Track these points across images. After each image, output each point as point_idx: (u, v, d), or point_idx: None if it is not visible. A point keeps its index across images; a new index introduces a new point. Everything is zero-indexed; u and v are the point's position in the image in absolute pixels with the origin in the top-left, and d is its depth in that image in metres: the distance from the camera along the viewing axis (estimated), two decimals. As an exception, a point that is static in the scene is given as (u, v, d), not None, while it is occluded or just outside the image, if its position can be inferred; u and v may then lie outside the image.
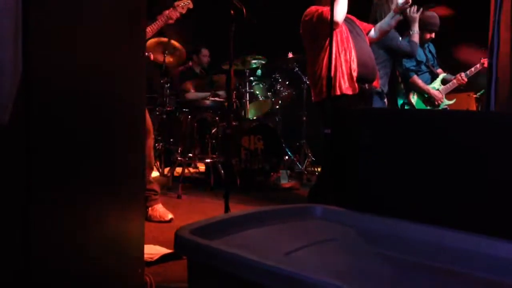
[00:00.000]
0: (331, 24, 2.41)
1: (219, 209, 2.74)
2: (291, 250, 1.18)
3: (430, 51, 4.25)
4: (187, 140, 4.46)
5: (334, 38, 2.62)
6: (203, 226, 1.25)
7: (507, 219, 1.42)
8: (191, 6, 3.10)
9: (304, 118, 5.25)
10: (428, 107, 4.13)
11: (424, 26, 3.98)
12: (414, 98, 4.13)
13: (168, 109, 4.76)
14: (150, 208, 2.97)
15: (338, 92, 2.86)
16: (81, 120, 1.36)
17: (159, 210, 2.98)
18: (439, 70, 4.30)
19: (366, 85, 2.99)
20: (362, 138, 1.76)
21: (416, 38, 3.63)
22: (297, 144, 5.27)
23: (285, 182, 4.51)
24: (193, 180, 4.60)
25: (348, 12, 2.91)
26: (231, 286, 1.08)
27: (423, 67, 4.18)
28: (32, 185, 1.20)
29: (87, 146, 1.38)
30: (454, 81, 4.18)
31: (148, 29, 2.90)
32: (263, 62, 5.08)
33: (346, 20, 2.97)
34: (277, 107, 5.08)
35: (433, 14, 4.07)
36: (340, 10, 2.79)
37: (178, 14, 3.01)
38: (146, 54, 3.25)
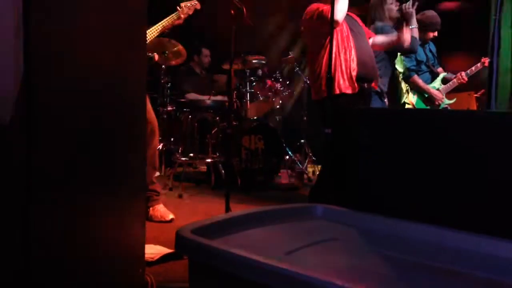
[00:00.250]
0: (332, 23, 2.41)
1: (219, 209, 2.74)
2: (292, 250, 1.19)
3: (430, 50, 4.24)
4: (188, 140, 4.46)
5: (334, 37, 2.61)
6: (204, 226, 1.25)
7: (507, 219, 1.42)
8: (198, 6, 3.08)
9: (305, 118, 5.24)
10: (428, 107, 4.13)
11: (427, 26, 3.98)
12: (414, 98, 4.13)
13: (169, 109, 4.76)
14: (151, 208, 2.97)
15: (337, 91, 2.85)
16: (81, 120, 1.36)
17: (160, 210, 2.99)
18: (440, 69, 4.30)
19: (366, 85, 2.98)
20: (361, 137, 1.76)
21: (415, 33, 3.62)
22: (298, 143, 5.26)
23: (285, 182, 4.50)
24: (193, 180, 4.60)
25: (349, 10, 2.91)
26: (232, 285, 1.09)
27: (423, 66, 4.18)
28: (32, 185, 1.20)
29: (87, 146, 1.38)
30: (455, 80, 4.18)
31: (153, 28, 2.88)
32: (263, 62, 5.07)
33: (347, 18, 2.96)
34: (278, 107, 5.08)
35: (434, 14, 4.07)
36: (340, 9, 2.78)
37: (185, 15, 3.00)
38: (151, 54, 3.23)
